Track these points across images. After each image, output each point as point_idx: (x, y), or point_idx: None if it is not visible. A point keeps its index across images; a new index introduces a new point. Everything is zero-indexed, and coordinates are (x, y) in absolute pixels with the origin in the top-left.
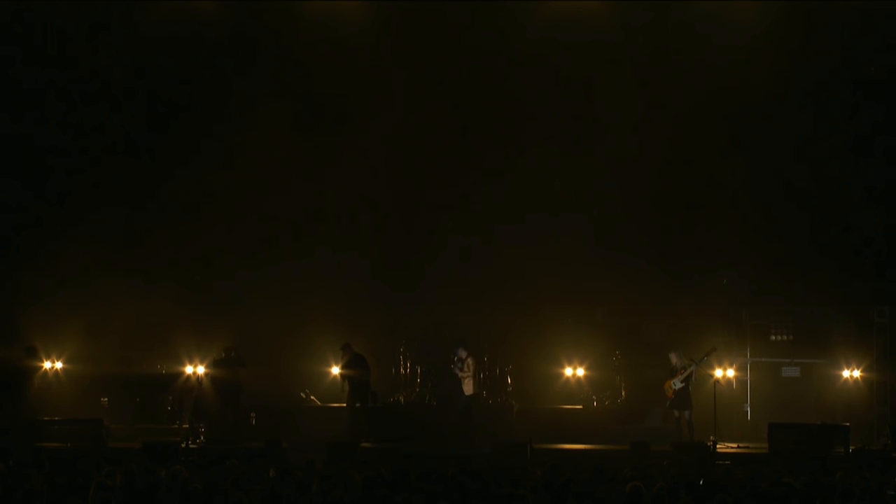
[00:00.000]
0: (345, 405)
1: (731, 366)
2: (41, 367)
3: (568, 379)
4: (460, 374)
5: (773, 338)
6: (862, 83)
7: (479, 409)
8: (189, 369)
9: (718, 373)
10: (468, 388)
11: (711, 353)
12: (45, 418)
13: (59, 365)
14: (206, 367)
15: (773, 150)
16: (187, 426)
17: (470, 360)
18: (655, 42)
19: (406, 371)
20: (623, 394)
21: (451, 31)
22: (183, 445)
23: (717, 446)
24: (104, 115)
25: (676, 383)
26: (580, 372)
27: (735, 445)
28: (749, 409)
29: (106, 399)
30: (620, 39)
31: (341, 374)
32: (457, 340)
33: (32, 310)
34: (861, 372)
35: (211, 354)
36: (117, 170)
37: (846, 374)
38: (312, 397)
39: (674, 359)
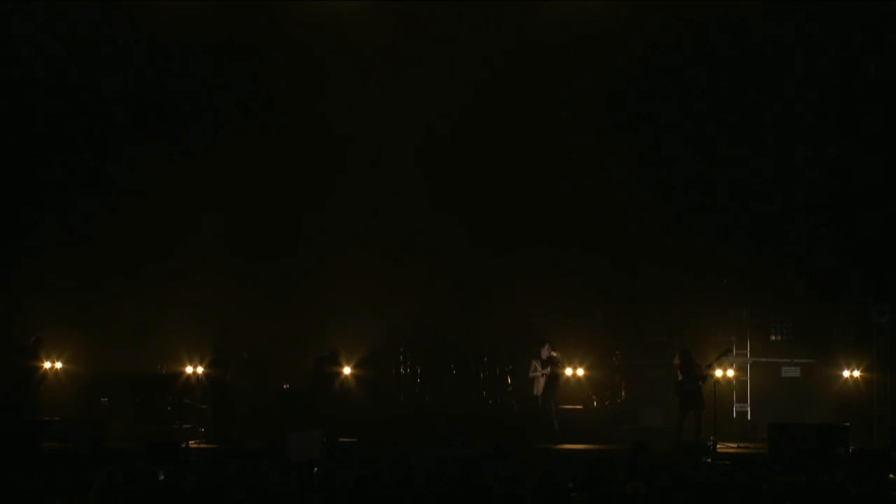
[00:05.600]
0: None
1: (731, 366)
2: (42, 366)
3: (568, 379)
4: (536, 374)
5: (773, 338)
6: (863, 84)
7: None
8: (189, 369)
9: (718, 373)
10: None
11: (727, 354)
12: (45, 418)
13: (59, 365)
14: (204, 367)
15: (772, 149)
16: (188, 426)
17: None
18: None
19: (406, 371)
20: (623, 394)
21: None
22: (183, 445)
23: (717, 446)
24: None
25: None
26: (580, 372)
27: (735, 445)
28: (749, 409)
29: (106, 399)
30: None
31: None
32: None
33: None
34: (861, 372)
35: (207, 354)
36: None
37: (846, 374)
38: None
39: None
